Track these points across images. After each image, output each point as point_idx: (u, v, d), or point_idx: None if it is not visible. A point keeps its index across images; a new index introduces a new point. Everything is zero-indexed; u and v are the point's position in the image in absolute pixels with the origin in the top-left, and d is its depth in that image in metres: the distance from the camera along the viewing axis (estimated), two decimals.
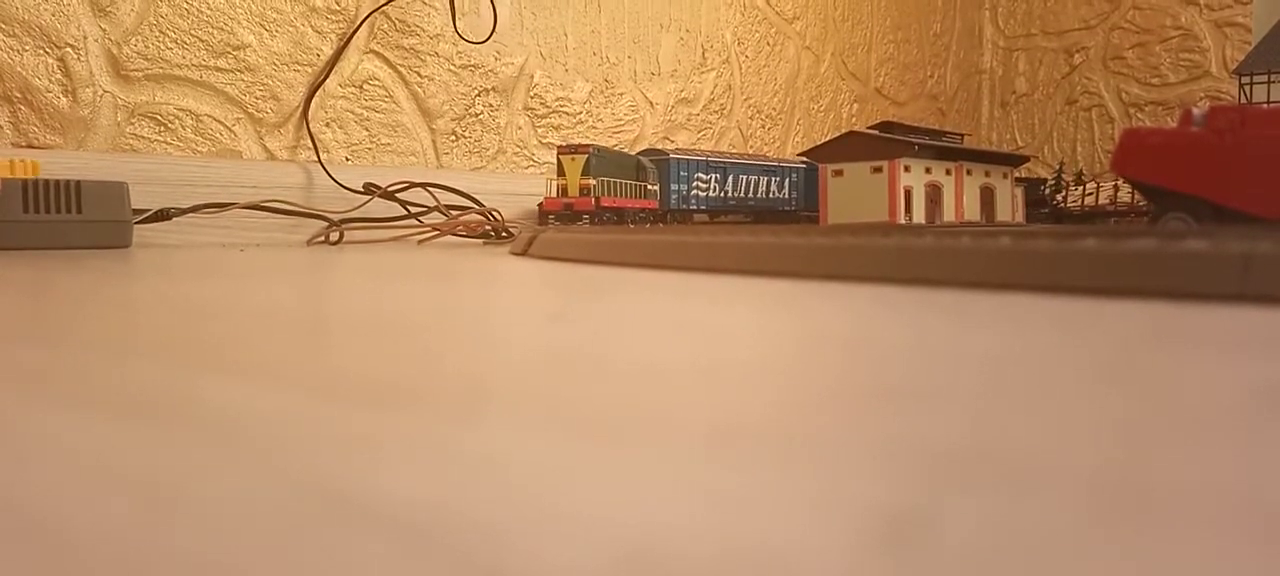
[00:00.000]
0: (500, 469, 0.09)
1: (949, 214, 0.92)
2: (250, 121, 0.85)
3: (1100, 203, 1.06)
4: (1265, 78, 0.75)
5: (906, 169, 0.87)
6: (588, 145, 0.86)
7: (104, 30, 0.77)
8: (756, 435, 0.10)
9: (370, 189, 0.85)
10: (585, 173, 0.84)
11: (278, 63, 0.87)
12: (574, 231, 0.54)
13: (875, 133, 0.94)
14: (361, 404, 0.12)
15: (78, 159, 0.74)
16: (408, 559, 0.06)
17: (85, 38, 0.76)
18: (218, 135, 0.84)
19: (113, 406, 0.12)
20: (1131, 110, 1.61)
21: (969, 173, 0.95)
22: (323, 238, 0.80)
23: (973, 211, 0.95)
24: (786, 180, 1.16)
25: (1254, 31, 1.45)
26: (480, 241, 0.83)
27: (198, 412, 0.11)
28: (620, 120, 1.17)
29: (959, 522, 0.07)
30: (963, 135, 1.11)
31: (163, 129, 0.80)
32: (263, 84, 0.86)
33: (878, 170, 0.87)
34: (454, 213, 0.87)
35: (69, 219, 0.64)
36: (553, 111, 1.09)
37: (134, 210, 0.69)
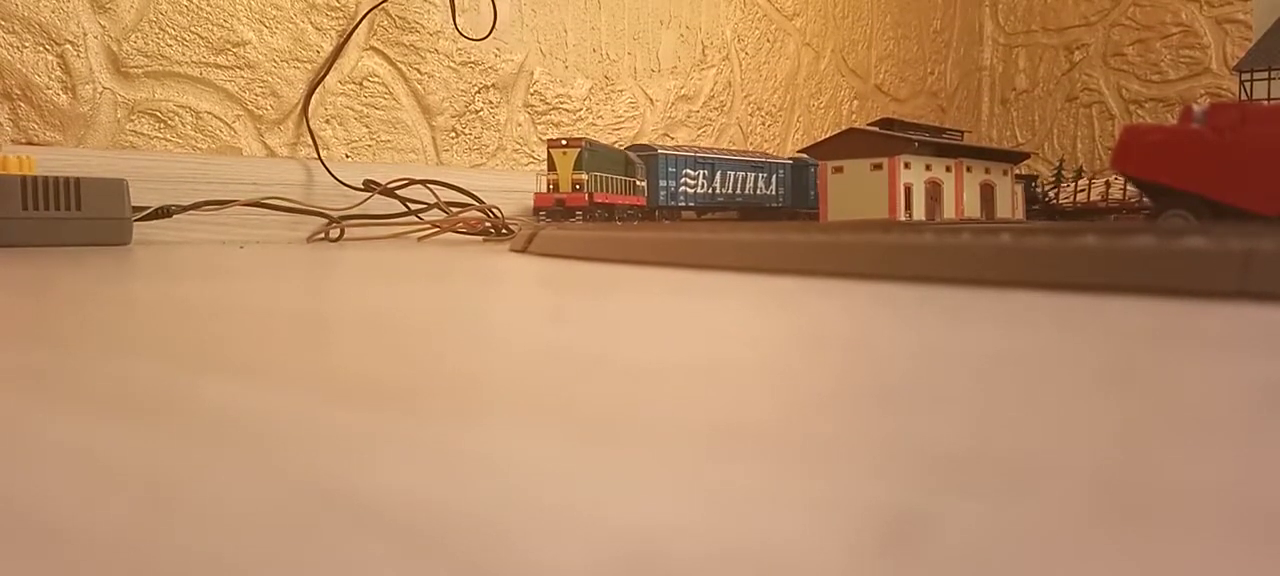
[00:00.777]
0: (500, 468, 0.09)
1: (949, 211, 0.92)
2: (250, 118, 0.85)
3: (1093, 199, 1.06)
4: (1266, 74, 0.75)
5: (906, 166, 0.87)
6: (580, 139, 0.83)
7: (103, 27, 0.77)
8: (756, 435, 0.10)
9: (370, 186, 0.85)
10: (577, 167, 0.82)
11: (277, 59, 0.87)
12: (573, 228, 0.54)
13: (875, 129, 0.93)
14: (361, 403, 0.12)
15: (77, 156, 0.74)
16: (407, 559, 0.06)
17: (85, 34, 0.76)
18: (218, 132, 0.84)
19: (111, 405, 0.12)
20: (1132, 107, 1.60)
21: (969, 169, 0.95)
22: (323, 235, 0.80)
23: (973, 208, 0.95)
24: (773, 176, 1.14)
25: (1254, 28, 1.45)
26: (480, 238, 0.83)
27: (197, 412, 0.11)
28: (620, 117, 1.16)
29: (959, 523, 0.07)
30: (963, 132, 1.11)
31: (162, 126, 0.80)
32: (263, 81, 0.86)
33: (878, 167, 0.87)
34: (454, 210, 0.87)
35: (68, 216, 0.64)
36: (553, 108, 1.09)
37: (134, 207, 0.69)
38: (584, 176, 0.82)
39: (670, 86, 1.23)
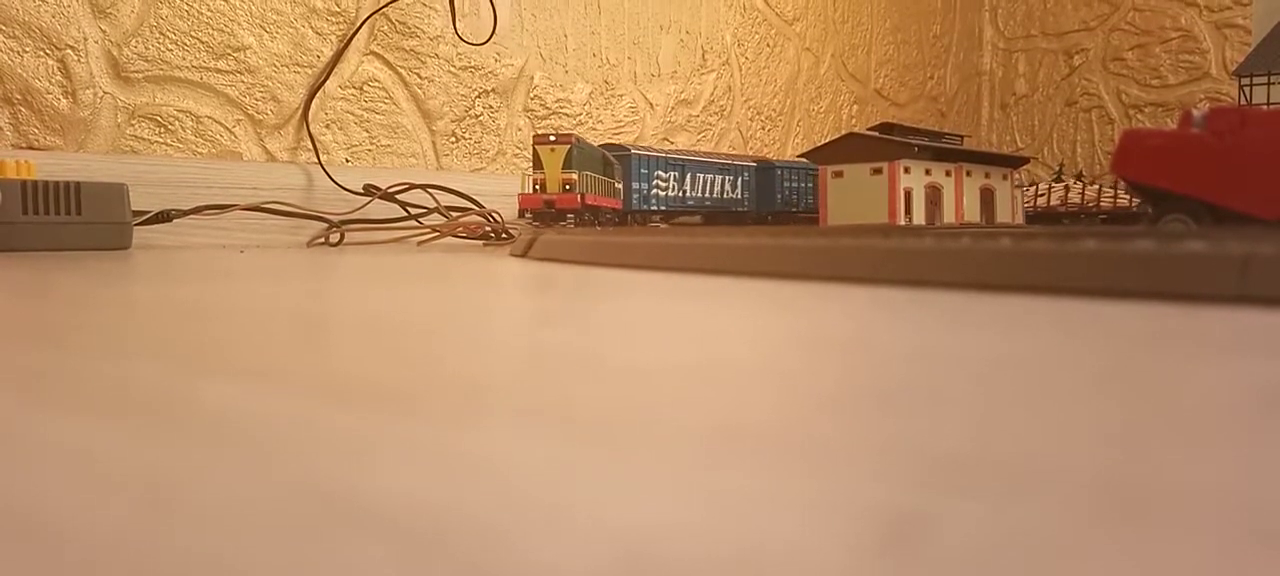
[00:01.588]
0: (499, 470, 0.09)
1: (949, 215, 0.93)
2: (250, 123, 0.86)
3: (1072, 201, 1.07)
4: (1265, 79, 0.75)
5: (906, 170, 0.87)
6: (569, 135, 0.76)
7: (104, 32, 0.77)
8: (755, 438, 0.10)
9: (370, 190, 0.85)
10: (567, 166, 0.75)
11: (278, 64, 0.87)
12: (574, 234, 0.54)
13: (875, 134, 0.94)
14: (361, 405, 0.12)
15: (78, 160, 0.74)
16: (407, 559, 0.06)
17: (85, 39, 0.76)
18: (218, 137, 0.84)
19: (111, 408, 0.12)
20: (1131, 111, 1.61)
21: (969, 174, 0.95)
22: (323, 239, 0.80)
23: (973, 213, 0.95)
24: (739, 179, 1.07)
25: (1253, 33, 1.45)
26: (480, 243, 0.83)
27: (197, 414, 0.11)
28: (620, 122, 1.17)
29: (958, 525, 0.07)
30: (962, 137, 1.11)
31: (163, 130, 0.80)
32: (263, 86, 0.86)
33: (877, 171, 0.87)
34: (454, 214, 0.87)
35: (69, 220, 0.64)
36: (553, 113, 1.09)
37: (134, 212, 0.69)
38: (574, 176, 0.76)
39: (670, 91, 1.23)
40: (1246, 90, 0.76)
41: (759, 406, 0.12)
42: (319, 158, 0.88)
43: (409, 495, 0.08)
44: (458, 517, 0.07)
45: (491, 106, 1.03)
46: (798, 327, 0.20)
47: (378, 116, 0.94)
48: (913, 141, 0.90)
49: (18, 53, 0.73)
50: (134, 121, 0.79)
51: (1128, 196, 1.07)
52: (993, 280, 0.30)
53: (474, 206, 0.88)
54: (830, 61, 1.48)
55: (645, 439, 0.10)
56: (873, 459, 0.09)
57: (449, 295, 0.29)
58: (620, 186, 0.92)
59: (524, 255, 0.55)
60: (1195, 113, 0.47)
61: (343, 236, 0.80)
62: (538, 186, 0.76)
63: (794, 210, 1.11)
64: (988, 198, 0.98)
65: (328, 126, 0.91)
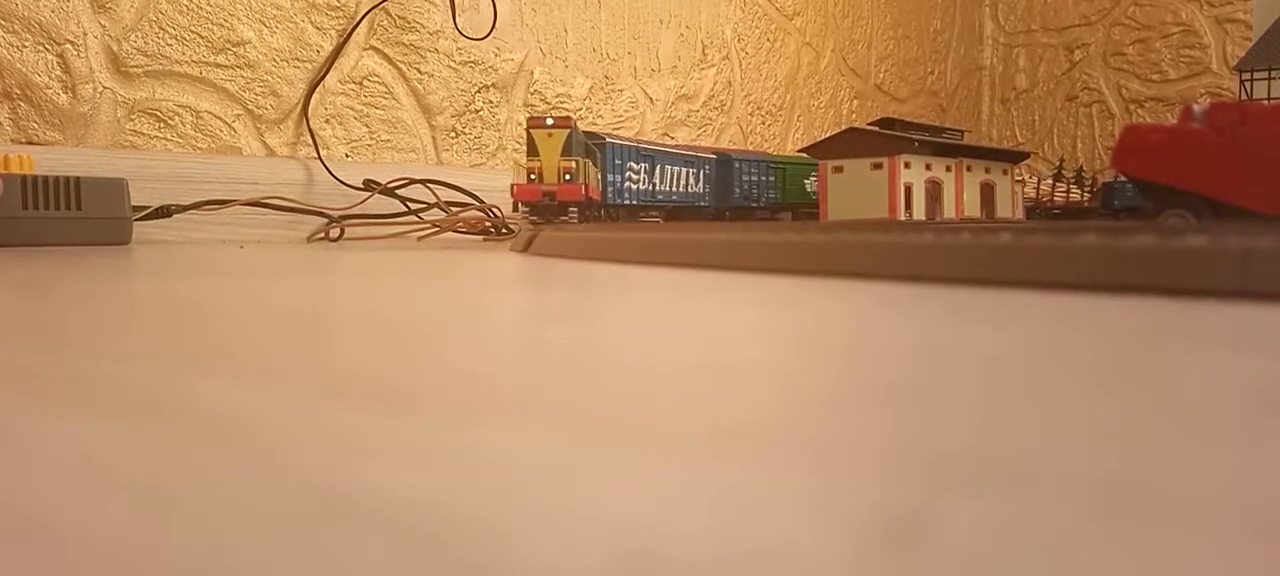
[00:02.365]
0: (500, 469, 0.09)
1: (949, 210, 0.93)
2: (250, 118, 0.85)
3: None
4: (1266, 74, 0.75)
5: (907, 165, 0.87)
6: (568, 118, 0.69)
7: (103, 27, 0.77)
8: (757, 435, 0.10)
9: (370, 186, 0.85)
10: (566, 153, 0.68)
11: (277, 59, 0.87)
12: (572, 229, 0.54)
13: (875, 129, 0.94)
14: (362, 403, 0.12)
15: (77, 155, 0.74)
16: (407, 559, 0.06)
17: (85, 34, 0.76)
18: (218, 132, 0.84)
19: (111, 406, 0.12)
20: (1132, 106, 1.61)
21: (969, 169, 0.95)
22: (323, 234, 0.80)
23: (973, 208, 0.95)
24: (701, 173, 1.00)
25: (1254, 28, 1.45)
26: (481, 238, 0.83)
27: (197, 412, 0.11)
28: (620, 117, 1.16)
29: (959, 523, 0.07)
30: (963, 132, 1.11)
31: (162, 125, 0.80)
32: (262, 80, 0.86)
33: (878, 167, 0.87)
34: (454, 209, 0.87)
35: (68, 216, 0.64)
36: (553, 108, 1.09)
37: (134, 207, 0.69)
38: (574, 163, 0.68)
39: (670, 86, 1.23)
40: (1247, 85, 0.75)
41: (760, 403, 0.12)
42: (319, 153, 0.88)
43: (408, 493, 0.08)
44: (458, 515, 0.07)
45: (492, 101, 1.03)
46: (798, 323, 0.20)
47: (378, 111, 0.94)
48: (913, 136, 0.90)
49: (17, 48, 0.73)
50: (134, 116, 0.79)
51: (1080, 192, 1.07)
52: (993, 275, 0.30)
53: (474, 201, 0.88)
54: (831, 56, 1.48)
55: (647, 436, 0.10)
56: (874, 456, 0.09)
57: (450, 292, 0.29)
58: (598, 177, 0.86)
59: (525, 250, 0.55)
60: (1196, 108, 0.47)
61: (343, 231, 0.80)
62: (534, 176, 0.68)
63: (753, 206, 1.04)
64: (988, 193, 0.98)
65: (328, 121, 0.90)
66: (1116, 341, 0.17)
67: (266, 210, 0.80)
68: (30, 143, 0.73)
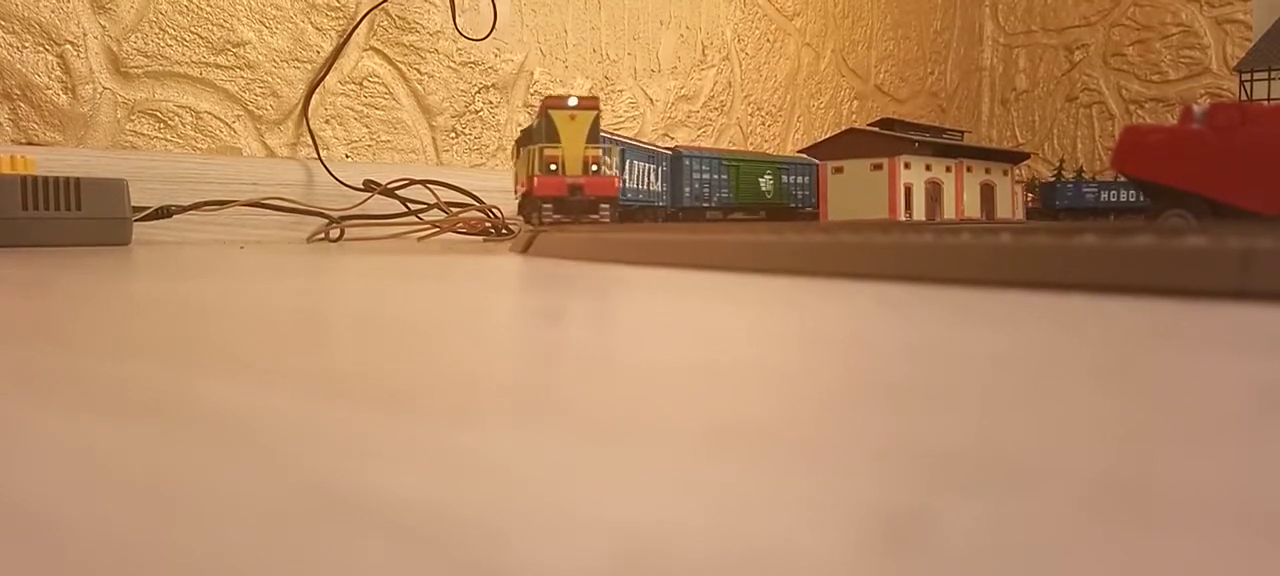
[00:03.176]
0: (499, 469, 0.09)
1: (949, 211, 0.93)
2: (250, 118, 0.85)
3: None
4: (1266, 75, 0.75)
5: (907, 166, 0.87)
6: (593, 99, 0.59)
7: (103, 27, 0.77)
8: (756, 435, 0.10)
9: (370, 186, 0.85)
10: (593, 139, 0.58)
11: (277, 59, 0.87)
12: (574, 230, 0.54)
13: (875, 130, 0.94)
14: (361, 404, 0.12)
15: (77, 156, 0.74)
16: (407, 559, 0.06)
17: (85, 35, 0.76)
18: (217, 132, 0.84)
19: (110, 406, 0.12)
20: (1132, 107, 1.61)
21: (969, 170, 0.95)
22: (323, 235, 0.80)
23: (973, 209, 0.95)
24: (659, 170, 0.94)
25: (1254, 29, 1.45)
26: (481, 238, 0.83)
27: (197, 412, 0.11)
28: (620, 117, 1.17)
29: (959, 524, 0.07)
30: (963, 132, 1.11)
31: (162, 126, 0.80)
32: (263, 81, 0.86)
33: (878, 167, 0.87)
34: (454, 210, 0.87)
35: (68, 216, 0.64)
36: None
37: (134, 207, 0.69)
38: (602, 152, 0.59)
39: (670, 87, 1.23)
40: (1247, 86, 0.76)
41: (760, 403, 0.12)
42: (319, 153, 0.88)
43: (409, 493, 0.08)
44: (458, 516, 0.07)
45: (491, 102, 1.03)
46: (798, 324, 0.20)
47: (377, 112, 0.94)
48: (913, 137, 0.90)
49: (17, 48, 0.73)
50: (134, 117, 0.79)
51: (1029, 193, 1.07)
52: (993, 276, 0.30)
53: (474, 202, 0.88)
54: (830, 57, 1.48)
55: (646, 436, 0.10)
56: (874, 456, 0.09)
57: (448, 292, 0.29)
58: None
59: (524, 251, 0.55)
60: (1196, 108, 0.47)
61: (342, 232, 0.80)
62: (554, 166, 0.57)
63: (704, 207, 0.99)
64: (988, 193, 0.98)
65: (327, 122, 0.90)
66: (1116, 341, 0.17)
67: (266, 211, 0.80)
68: (30, 143, 0.73)
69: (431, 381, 0.13)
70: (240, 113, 0.85)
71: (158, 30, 0.80)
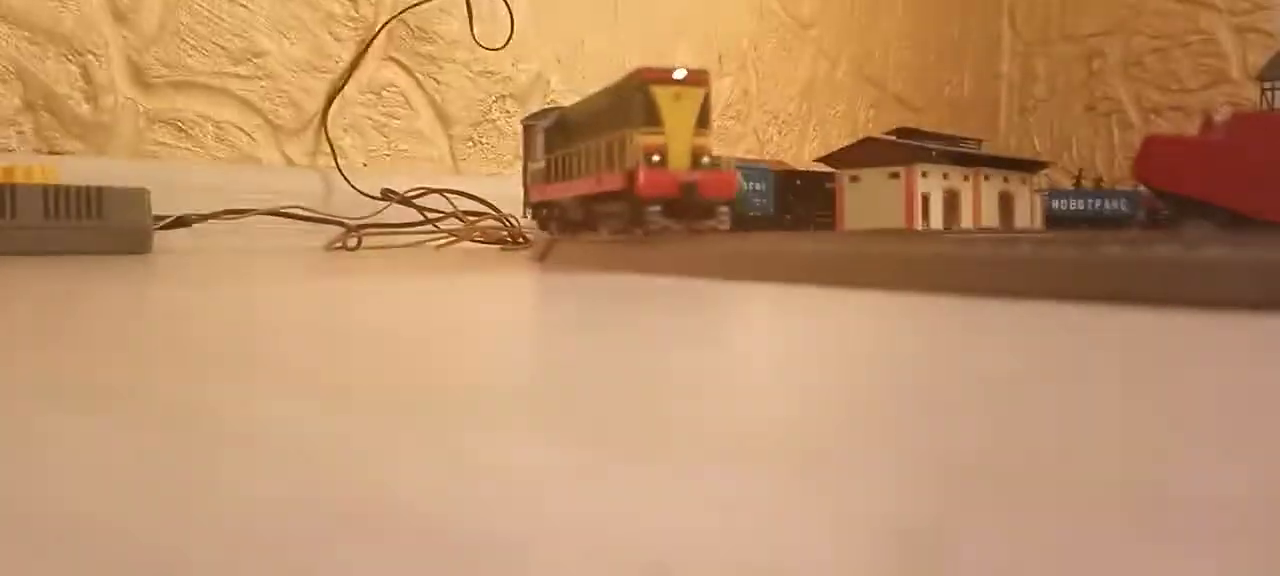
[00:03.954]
0: (512, 479, 0.09)
1: (966, 220, 0.92)
2: (269, 128, 0.86)
3: None
4: None
5: (923, 175, 0.87)
6: (702, 72, 0.46)
7: (125, 38, 0.78)
8: (774, 448, 0.10)
9: (388, 195, 0.86)
10: (702, 125, 0.45)
11: (297, 69, 0.87)
12: (587, 242, 0.53)
13: (892, 138, 0.93)
14: (371, 411, 0.12)
15: (99, 165, 0.75)
16: (418, 570, 0.06)
17: (107, 45, 0.77)
18: (237, 142, 0.84)
19: (126, 413, 0.12)
20: (1151, 116, 1.60)
21: (986, 178, 0.94)
22: (340, 243, 0.80)
23: (991, 218, 0.95)
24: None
25: (1276, 36, 1.44)
26: (497, 247, 0.83)
27: (212, 420, 0.11)
28: None
29: (977, 540, 0.07)
30: (980, 141, 1.10)
31: (183, 135, 0.81)
32: (282, 91, 0.86)
33: (895, 176, 0.87)
34: (471, 218, 0.87)
35: (90, 225, 0.65)
36: None
37: (154, 216, 0.70)
38: (712, 142, 0.46)
39: None
40: (1269, 95, 0.75)
41: (776, 416, 0.12)
42: (337, 162, 0.88)
43: (421, 503, 0.08)
44: (469, 526, 0.07)
45: (509, 111, 1.03)
46: (816, 334, 0.20)
47: (396, 121, 0.95)
48: (930, 145, 0.90)
49: (40, 58, 0.74)
50: (154, 126, 0.79)
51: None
52: (1011, 287, 0.29)
53: (491, 211, 0.88)
54: (847, 65, 1.48)
55: (661, 447, 0.10)
56: (893, 470, 0.09)
57: (463, 302, 0.29)
58: None
59: (542, 260, 0.56)
60: (1216, 118, 0.47)
61: (360, 241, 0.80)
62: (657, 157, 0.43)
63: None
64: (1006, 202, 0.97)
65: (346, 131, 0.91)
66: (1136, 354, 0.17)
67: (285, 220, 0.80)
68: (52, 152, 0.74)
69: (441, 390, 0.13)
70: (260, 122, 0.85)
71: (178, 40, 0.80)
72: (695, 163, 0.45)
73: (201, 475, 0.09)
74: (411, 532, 0.07)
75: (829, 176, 0.96)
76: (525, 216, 0.66)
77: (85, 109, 0.76)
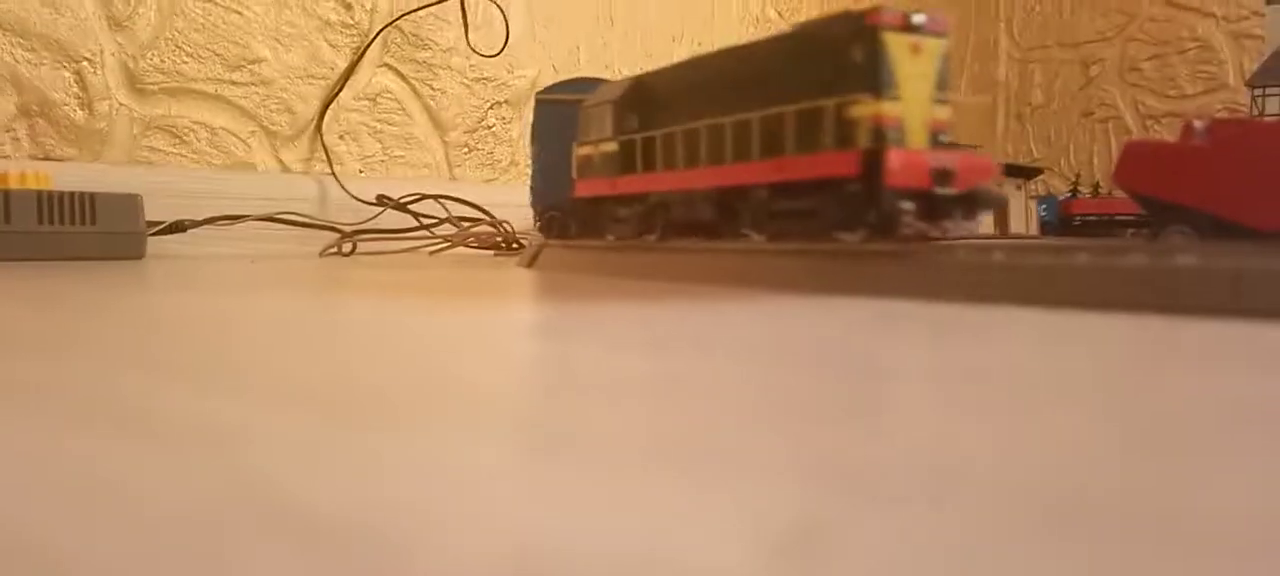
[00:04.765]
0: (425, 477, 0.09)
1: None
2: (265, 134, 0.86)
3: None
4: None
5: None
6: (941, 19, 0.35)
7: (120, 44, 0.78)
8: (687, 451, 0.10)
9: (382, 201, 0.86)
10: (943, 88, 0.35)
11: (292, 76, 0.88)
12: (576, 247, 0.54)
13: None
14: (338, 419, 0.12)
15: (93, 171, 0.75)
16: (312, 567, 0.07)
17: (102, 51, 0.77)
18: (232, 148, 0.85)
19: (110, 422, 0.12)
20: (1148, 122, 1.60)
21: None
22: (335, 249, 0.80)
23: (986, 223, 0.95)
24: None
25: (1267, 42, 1.44)
26: (491, 253, 0.83)
27: (193, 427, 0.12)
28: None
29: (867, 536, 0.07)
30: (977, 147, 1.11)
31: (178, 142, 0.81)
32: (277, 97, 0.87)
33: None
34: (465, 224, 0.87)
35: (83, 230, 0.65)
36: None
37: (148, 222, 0.70)
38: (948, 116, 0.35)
39: None
40: (1259, 100, 0.75)
41: (700, 420, 0.12)
42: (332, 168, 0.89)
43: (339, 503, 0.08)
44: (373, 523, 0.08)
45: (504, 117, 1.03)
46: (770, 337, 0.20)
47: (391, 127, 0.95)
48: None
49: (35, 65, 0.74)
50: (149, 133, 0.80)
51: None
52: (985, 294, 0.30)
53: (485, 217, 0.88)
54: None
55: (577, 449, 0.10)
56: (795, 469, 0.09)
57: (446, 308, 0.30)
58: None
59: (530, 266, 0.56)
60: (1197, 124, 0.47)
61: (355, 247, 0.81)
62: (894, 131, 0.33)
63: None
64: (1002, 209, 0.97)
65: (341, 137, 0.91)
66: (1093, 359, 0.17)
67: (280, 226, 0.81)
68: (47, 158, 0.74)
69: (403, 394, 0.14)
70: (255, 128, 0.86)
71: (174, 48, 0.81)
72: (933, 140, 0.34)
73: (115, 476, 0.09)
74: (310, 532, 0.07)
75: None
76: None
77: (80, 115, 0.76)
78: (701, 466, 0.09)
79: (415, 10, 0.94)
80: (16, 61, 0.73)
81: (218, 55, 0.83)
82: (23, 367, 0.17)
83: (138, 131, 0.79)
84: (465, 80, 1.00)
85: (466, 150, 1.01)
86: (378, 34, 0.92)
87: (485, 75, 1.01)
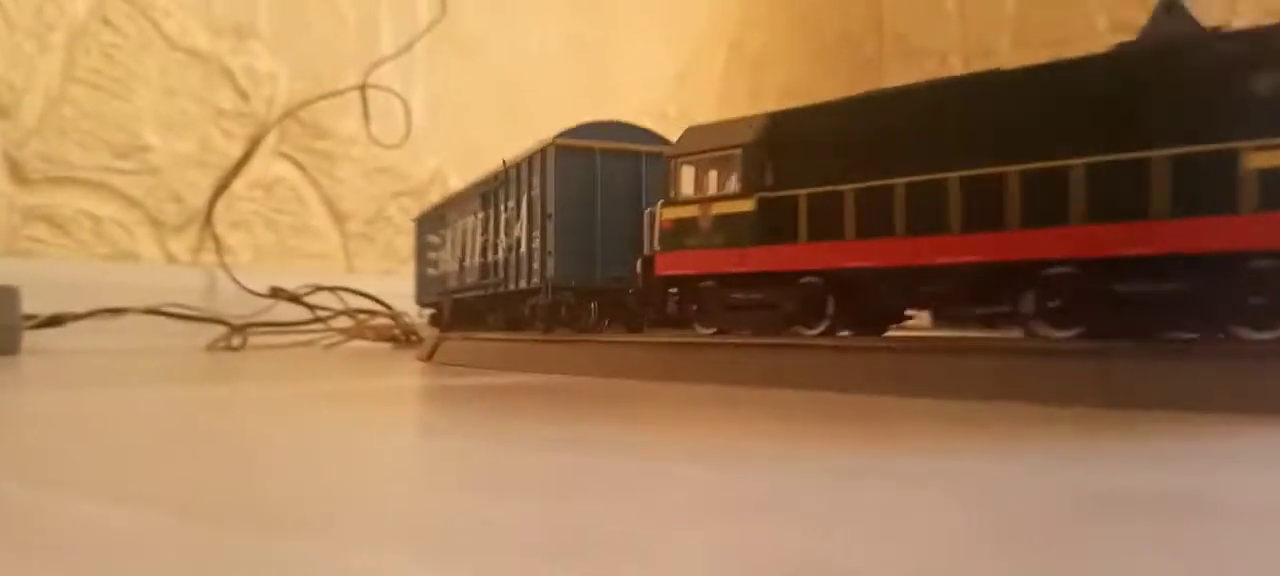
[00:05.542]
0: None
1: None
2: (151, 224, 0.84)
3: None
4: None
5: None
6: None
7: (3, 131, 0.75)
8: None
9: (276, 293, 0.84)
10: None
11: (182, 164, 0.86)
12: (475, 339, 0.53)
13: None
14: (218, 525, 0.12)
15: None
16: None
17: None
18: (117, 238, 0.82)
19: None
20: None
21: None
22: (224, 343, 0.78)
23: None
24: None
25: None
26: (389, 345, 0.82)
27: (54, 533, 0.11)
28: None
29: None
30: None
31: (59, 231, 0.79)
32: (166, 185, 0.85)
33: None
34: (362, 316, 0.86)
35: None
36: None
37: (25, 315, 0.67)
38: None
39: None
40: None
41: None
42: (222, 259, 0.87)
43: None
44: None
45: (405, 208, 1.03)
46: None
47: (286, 217, 0.93)
48: None
49: None
50: (29, 222, 0.77)
51: None
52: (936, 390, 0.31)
53: (383, 309, 0.87)
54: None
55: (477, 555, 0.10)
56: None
57: (331, 408, 0.29)
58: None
59: (428, 359, 0.55)
60: None
61: (245, 340, 0.78)
62: None
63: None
64: None
65: (233, 226, 0.89)
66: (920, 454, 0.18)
67: (165, 318, 0.78)
68: None
69: (282, 503, 0.13)
70: (141, 218, 0.84)
71: (59, 135, 0.78)
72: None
73: None
74: None
75: None
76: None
77: None
78: None
79: (315, 100, 0.93)
80: None
81: (105, 142, 0.81)
82: None
83: (17, 221, 0.76)
84: (365, 170, 0.99)
85: (366, 241, 1.00)
86: (274, 126, 0.91)
87: (386, 165, 1.01)
